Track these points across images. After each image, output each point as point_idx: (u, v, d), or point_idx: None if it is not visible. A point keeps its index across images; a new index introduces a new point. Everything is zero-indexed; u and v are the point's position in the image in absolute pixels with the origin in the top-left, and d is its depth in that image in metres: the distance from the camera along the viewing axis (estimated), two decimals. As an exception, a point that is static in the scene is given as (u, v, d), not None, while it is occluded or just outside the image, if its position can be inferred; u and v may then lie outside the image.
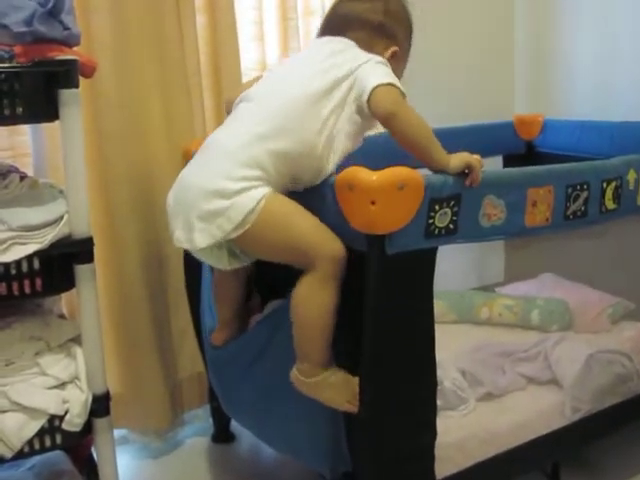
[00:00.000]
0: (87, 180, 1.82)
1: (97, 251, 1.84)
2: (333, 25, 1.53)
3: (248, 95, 1.46)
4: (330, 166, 1.39)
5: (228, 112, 1.55)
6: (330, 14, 1.56)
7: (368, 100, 1.35)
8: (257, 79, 1.55)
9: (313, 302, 1.33)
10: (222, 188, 1.31)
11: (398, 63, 1.53)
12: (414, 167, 1.27)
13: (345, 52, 1.45)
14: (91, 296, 1.45)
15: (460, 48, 2.64)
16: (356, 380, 1.34)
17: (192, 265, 1.83)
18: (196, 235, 1.33)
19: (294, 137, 1.35)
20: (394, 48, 1.51)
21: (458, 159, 1.31)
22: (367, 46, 1.48)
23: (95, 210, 1.91)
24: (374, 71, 1.38)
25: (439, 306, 2.27)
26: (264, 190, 1.32)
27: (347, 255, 1.32)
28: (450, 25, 2.59)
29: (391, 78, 1.37)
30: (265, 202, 1.31)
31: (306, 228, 1.33)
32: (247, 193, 1.31)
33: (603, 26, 2.48)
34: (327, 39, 1.51)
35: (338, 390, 1.35)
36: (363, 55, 1.43)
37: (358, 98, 1.38)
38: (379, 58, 1.43)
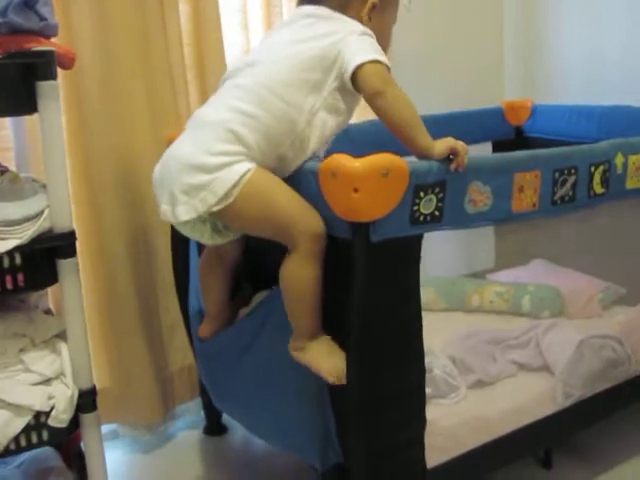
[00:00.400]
0: (71, 173, 1.82)
1: (83, 244, 1.85)
2: None
3: (231, 72, 1.45)
4: (312, 143, 1.38)
5: None
6: None
7: (353, 77, 1.33)
8: None
9: (296, 279, 1.33)
10: (204, 162, 1.31)
11: (383, 14, 1.48)
12: (400, 154, 1.26)
13: (326, 22, 1.41)
14: (75, 290, 1.43)
15: (449, 34, 2.62)
16: (343, 355, 1.33)
17: (180, 256, 1.83)
18: (179, 208, 1.34)
19: (274, 112, 1.34)
20: (372, 1, 1.46)
21: (443, 144, 1.30)
22: (343, 8, 1.44)
23: (80, 203, 1.90)
24: (358, 46, 1.35)
25: (430, 293, 2.26)
26: (248, 165, 1.32)
27: (329, 238, 1.31)
28: (439, 11, 2.57)
29: (375, 53, 1.34)
30: (250, 176, 1.31)
31: (288, 204, 1.32)
32: (230, 167, 1.31)
33: (592, 11, 2.47)
34: (304, 10, 1.47)
35: (321, 355, 1.35)
36: (346, 25, 1.40)
37: (340, 75, 1.36)
38: (361, 29, 1.39)
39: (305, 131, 1.36)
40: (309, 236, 1.31)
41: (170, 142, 1.74)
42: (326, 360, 1.34)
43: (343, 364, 1.32)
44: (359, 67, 1.32)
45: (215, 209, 1.32)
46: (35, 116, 1.39)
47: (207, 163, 1.31)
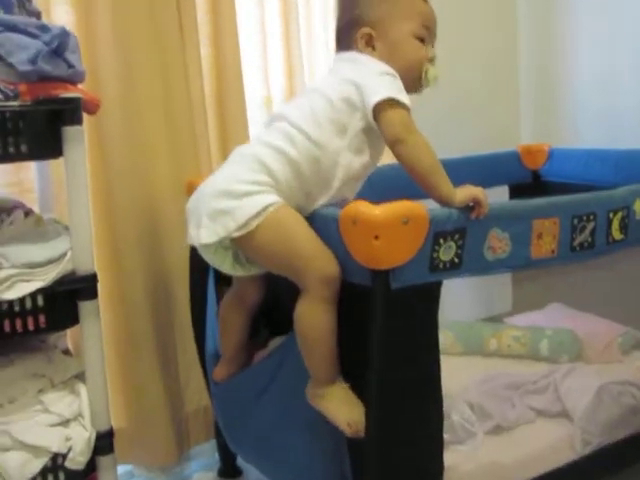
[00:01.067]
0: (92, 215, 1.84)
1: (103, 286, 1.86)
2: (336, 40, 1.55)
3: (274, 116, 1.49)
4: (337, 182, 1.39)
5: None
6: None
7: (375, 118, 1.35)
8: None
9: (310, 323, 1.33)
10: (232, 189, 1.34)
11: (386, 36, 1.45)
12: (420, 198, 1.27)
13: (352, 65, 1.44)
14: (95, 332, 1.44)
15: (465, 78, 2.64)
16: (361, 406, 1.31)
17: (198, 299, 1.83)
18: (202, 231, 1.36)
19: (301, 151, 1.36)
20: (364, 30, 1.45)
21: (465, 192, 1.30)
22: (349, 48, 1.48)
23: (101, 244, 1.92)
24: (376, 86, 1.36)
25: (447, 337, 2.26)
26: (274, 197, 1.34)
27: (348, 285, 1.31)
28: (454, 54, 2.59)
29: (393, 91, 1.35)
30: (273, 210, 1.32)
31: (305, 244, 1.33)
32: (256, 196, 1.33)
33: (607, 54, 2.49)
34: (338, 56, 1.52)
35: (339, 405, 1.34)
36: (367, 67, 1.41)
37: (365, 116, 1.37)
38: (381, 69, 1.40)
39: (330, 170, 1.38)
40: (322, 279, 1.31)
41: (190, 187, 1.78)
42: (344, 410, 1.33)
43: (361, 416, 1.30)
44: (379, 108, 1.33)
45: (235, 235, 1.33)
46: (59, 158, 1.43)
47: (235, 189, 1.34)
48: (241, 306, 1.58)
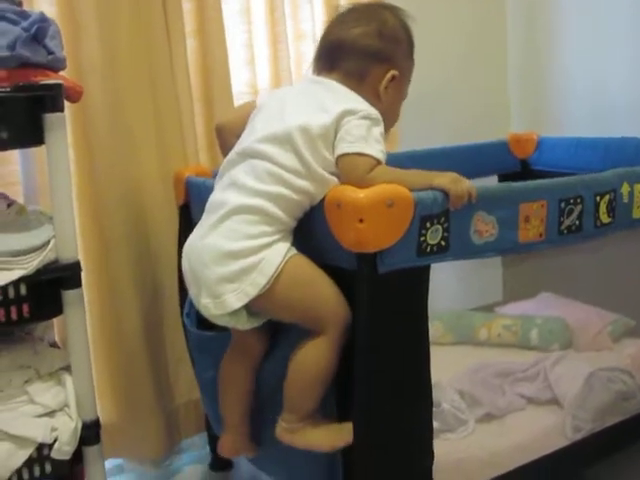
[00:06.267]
0: (78, 206, 1.83)
1: (90, 277, 1.85)
2: (325, 53, 1.46)
3: (244, 149, 1.35)
4: None
5: (220, 138, 1.52)
6: (322, 41, 1.48)
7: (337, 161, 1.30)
8: (248, 106, 1.49)
9: (316, 362, 1.31)
10: (244, 247, 1.26)
11: (399, 85, 1.45)
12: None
13: (333, 100, 1.35)
14: (79, 322, 1.43)
15: (454, 68, 2.65)
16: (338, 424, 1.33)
17: (187, 290, 1.82)
18: (229, 297, 1.27)
19: (297, 190, 1.29)
20: (392, 72, 1.42)
21: (442, 180, 1.26)
22: (361, 76, 1.41)
23: (87, 235, 1.90)
24: (354, 131, 1.29)
25: (437, 327, 2.25)
26: (286, 244, 1.29)
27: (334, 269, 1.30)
28: (442, 44, 2.60)
29: (368, 144, 1.28)
30: (289, 258, 1.28)
31: (326, 293, 1.30)
32: (274, 246, 1.27)
33: (597, 43, 2.49)
34: (315, 83, 1.43)
35: (321, 433, 1.34)
36: (351, 103, 1.34)
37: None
38: (366, 111, 1.32)
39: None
40: (344, 325, 1.29)
41: (177, 178, 1.77)
42: (326, 434, 1.33)
43: (341, 429, 1.31)
44: (342, 159, 1.29)
45: (263, 291, 1.27)
46: (43, 151, 1.41)
47: (248, 247, 1.26)
48: (245, 359, 1.47)
